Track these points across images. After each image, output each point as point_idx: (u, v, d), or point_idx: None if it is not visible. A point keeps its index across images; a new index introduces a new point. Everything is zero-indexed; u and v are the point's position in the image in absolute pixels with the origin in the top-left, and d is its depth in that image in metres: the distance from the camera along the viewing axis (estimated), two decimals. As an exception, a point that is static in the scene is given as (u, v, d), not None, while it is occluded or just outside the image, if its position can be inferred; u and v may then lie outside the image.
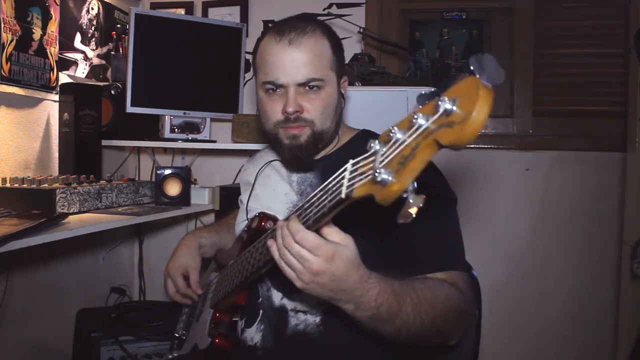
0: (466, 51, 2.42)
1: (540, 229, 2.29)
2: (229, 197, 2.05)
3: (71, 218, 1.53)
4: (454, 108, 0.57)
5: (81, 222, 1.52)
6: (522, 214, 2.30)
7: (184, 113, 2.14)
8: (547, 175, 2.29)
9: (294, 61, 1.07)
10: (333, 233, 0.82)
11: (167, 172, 1.97)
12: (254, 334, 1.13)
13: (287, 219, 0.86)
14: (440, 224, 1.03)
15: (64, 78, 2.01)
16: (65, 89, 1.93)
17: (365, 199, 0.68)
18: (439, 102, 0.59)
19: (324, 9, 2.24)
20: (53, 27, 1.93)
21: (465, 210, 2.37)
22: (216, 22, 2.24)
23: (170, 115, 2.14)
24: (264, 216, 1.11)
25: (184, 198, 1.97)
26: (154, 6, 2.55)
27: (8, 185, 1.62)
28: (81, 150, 1.89)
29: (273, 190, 1.21)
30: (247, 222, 1.20)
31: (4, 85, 1.73)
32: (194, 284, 1.26)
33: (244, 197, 1.30)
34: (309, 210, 0.81)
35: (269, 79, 1.09)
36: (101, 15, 2.24)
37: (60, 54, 1.99)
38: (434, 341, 0.99)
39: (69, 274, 2.14)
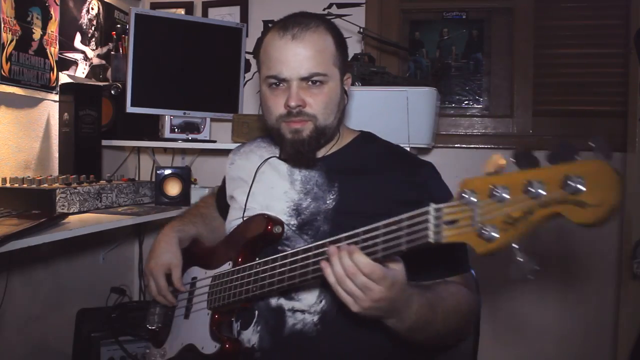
0: (466, 51, 2.42)
1: (540, 229, 2.29)
2: (229, 197, 2.05)
3: (71, 218, 1.53)
4: (584, 189, 0.61)
5: (81, 222, 1.52)
6: (522, 214, 2.30)
7: (184, 113, 2.14)
8: (547, 175, 2.28)
9: (297, 56, 1.07)
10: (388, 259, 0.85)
11: (167, 172, 1.97)
12: (250, 336, 1.11)
13: (338, 244, 0.86)
14: None
15: (64, 78, 2.01)
16: (65, 89, 1.93)
17: (451, 244, 0.73)
18: (568, 181, 0.61)
19: (323, 9, 2.24)
20: (53, 27, 1.93)
21: (465, 210, 2.37)
22: (216, 22, 2.24)
23: (170, 115, 2.14)
24: (269, 219, 1.09)
25: (184, 198, 1.97)
26: (154, 6, 2.54)
27: (8, 185, 1.62)
28: (81, 150, 1.89)
29: (271, 189, 1.19)
30: (241, 221, 1.18)
31: (4, 85, 1.73)
32: (177, 281, 1.22)
33: (237, 193, 1.25)
34: (374, 242, 0.83)
35: (272, 73, 1.10)
36: (101, 15, 2.24)
37: (60, 54, 1.99)
38: (454, 340, 1.10)
39: (69, 274, 2.14)
